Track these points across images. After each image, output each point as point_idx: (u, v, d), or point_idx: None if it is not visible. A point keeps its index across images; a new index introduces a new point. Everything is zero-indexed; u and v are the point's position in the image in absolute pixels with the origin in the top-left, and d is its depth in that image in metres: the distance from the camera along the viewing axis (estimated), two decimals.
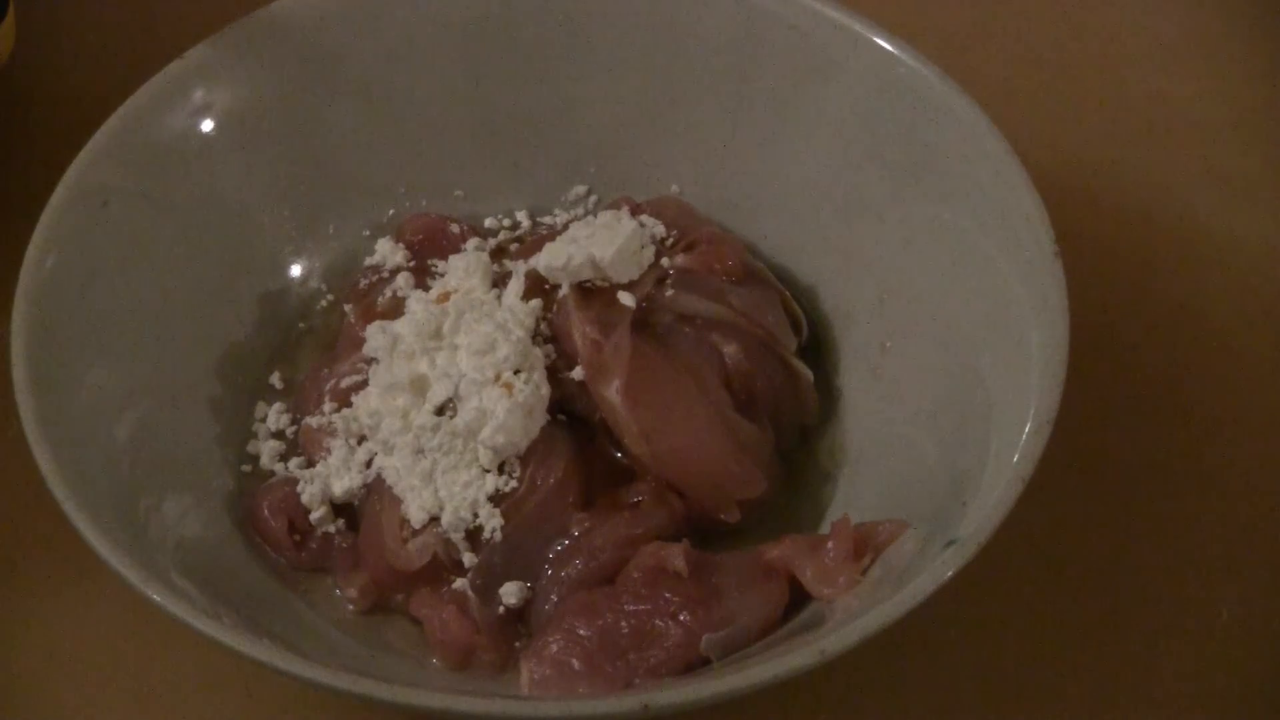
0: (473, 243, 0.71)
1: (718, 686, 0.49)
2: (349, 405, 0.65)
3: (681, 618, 0.57)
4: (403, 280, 0.69)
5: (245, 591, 0.60)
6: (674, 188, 0.74)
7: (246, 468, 0.66)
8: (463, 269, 0.68)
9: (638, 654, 0.56)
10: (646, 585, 0.58)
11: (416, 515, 0.60)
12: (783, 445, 0.66)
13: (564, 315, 0.65)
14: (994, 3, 0.90)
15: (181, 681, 0.61)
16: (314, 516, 0.63)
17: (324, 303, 0.72)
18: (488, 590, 0.60)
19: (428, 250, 0.72)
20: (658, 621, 0.57)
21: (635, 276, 0.66)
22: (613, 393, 0.62)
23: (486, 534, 0.61)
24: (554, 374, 0.64)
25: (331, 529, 0.63)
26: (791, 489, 0.65)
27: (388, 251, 0.72)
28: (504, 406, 0.61)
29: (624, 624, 0.57)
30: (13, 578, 0.64)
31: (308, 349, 0.70)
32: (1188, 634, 0.63)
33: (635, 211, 0.70)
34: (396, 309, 0.68)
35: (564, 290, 0.65)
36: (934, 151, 0.65)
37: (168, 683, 0.61)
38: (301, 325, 0.71)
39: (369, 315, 0.68)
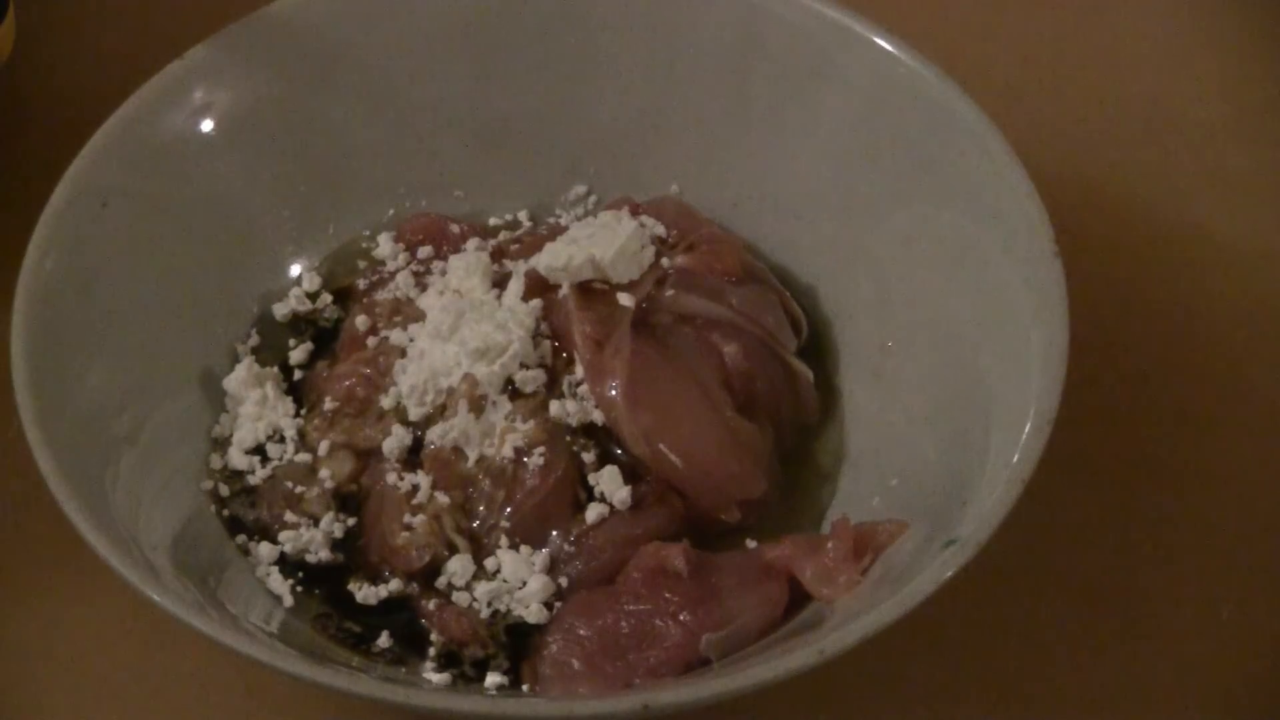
0: (473, 243, 0.71)
1: (718, 686, 0.49)
2: (349, 406, 0.65)
3: (681, 618, 0.57)
4: (403, 280, 0.69)
5: (245, 592, 0.60)
6: (674, 188, 0.74)
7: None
8: (463, 269, 0.68)
9: (637, 654, 0.56)
10: (646, 585, 0.58)
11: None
12: (783, 445, 0.66)
13: (564, 316, 0.65)
14: (994, 3, 0.90)
15: (181, 681, 0.61)
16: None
17: (324, 303, 0.72)
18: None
19: (428, 250, 0.72)
20: (658, 621, 0.57)
21: (635, 277, 0.66)
22: (613, 393, 0.62)
23: (486, 534, 0.61)
24: (554, 374, 0.64)
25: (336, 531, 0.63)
26: (791, 489, 0.65)
27: (388, 252, 0.72)
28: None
29: (624, 624, 0.57)
30: (13, 578, 0.64)
31: (301, 355, 0.70)
32: (1188, 634, 0.63)
33: (635, 211, 0.70)
34: (396, 309, 0.68)
35: (564, 291, 0.66)
36: (934, 151, 0.65)
37: (168, 683, 0.61)
38: (301, 326, 0.71)
39: (369, 315, 0.68)
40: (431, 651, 0.59)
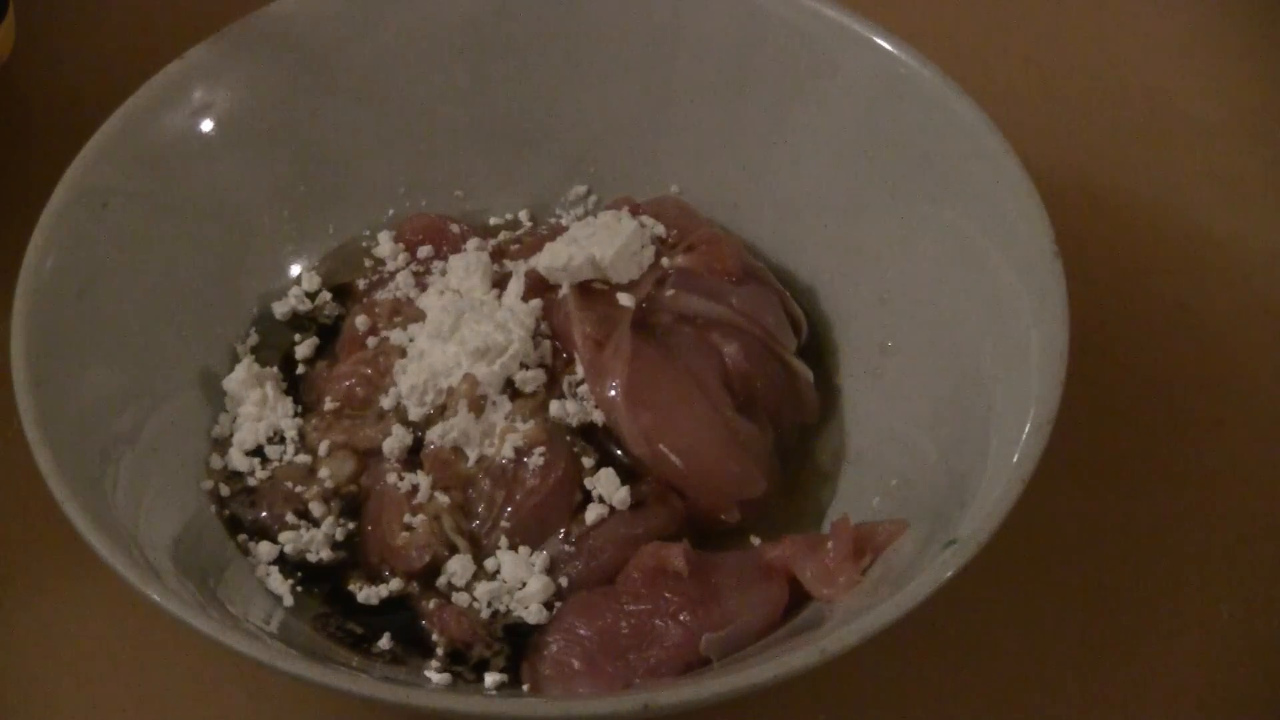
0: (473, 243, 0.71)
1: (718, 686, 0.49)
2: (349, 407, 0.65)
3: (681, 618, 0.57)
4: (403, 280, 0.69)
5: (245, 592, 0.60)
6: (674, 188, 0.74)
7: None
8: (463, 269, 0.68)
9: (637, 654, 0.56)
10: (646, 585, 0.58)
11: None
12: (783, 445, 0.66)
13: (564, 316, 0.65)
14: (994, 3, 0.90)
15: (181, 681, 0.61)
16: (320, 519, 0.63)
17: (324, 303, 0.72)
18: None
19: (428, 250, 0.72)
20: (658, 621, 0.57)
21: (635, 277, 0.66)
22: (613, 393, 0.62)
23: (486, 534, 0.61)
24: (554, 374, 0.64)
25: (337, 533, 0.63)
26: (791, 489, 0.65)
27: (388, 252, 0.72)
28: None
29: (624, 624, 0.57)
30: (13, 578, 0.64)
31: (307, 349, 0.70)
32: (1188, 634, 0.63)
33: (635, 211, 0.70)
34: (396, 309, 0.68)
35: (564, 291, 0.66)
36: (934, 151, 0.65)
37: (168, 683, 0.61)
38: (303, 323, 0.71)
39: (369, 315, 0.68)
40: (439, 651, 0.59)
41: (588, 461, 0.62)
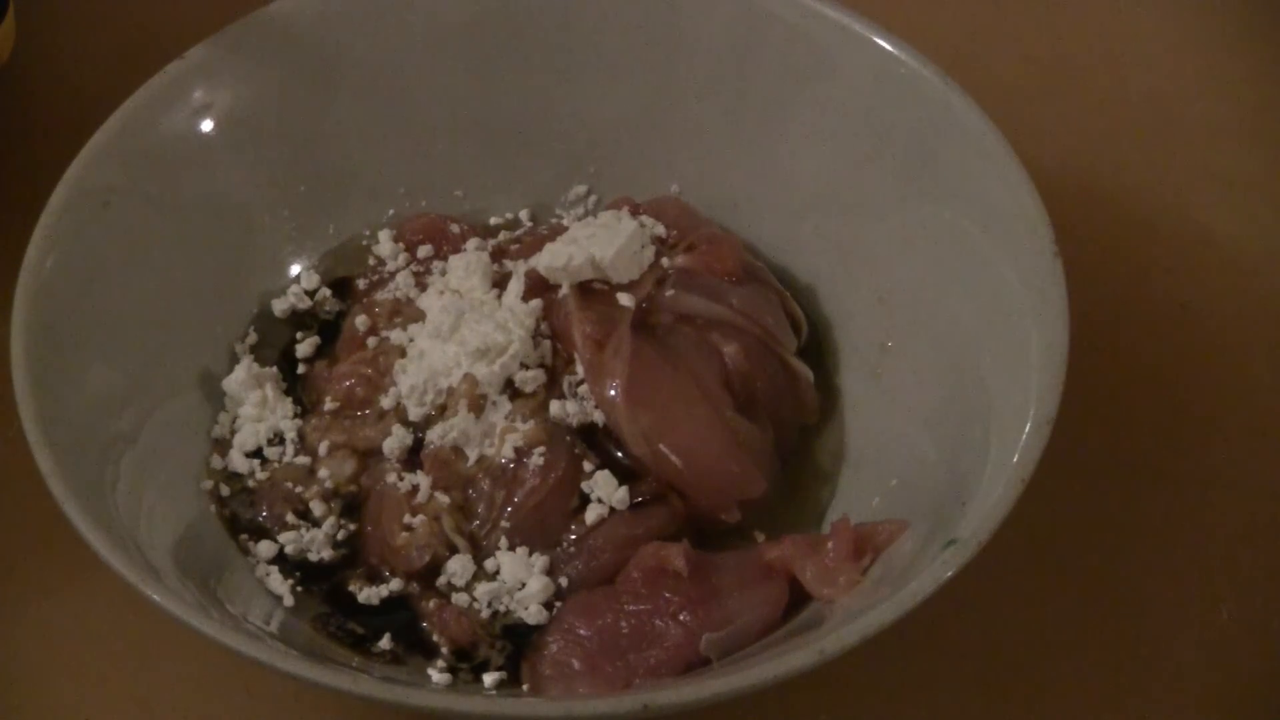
0: (473, 243, 0.71)
1: (718, 686, 0.49)
2: (349, 407, 0.65)
3: (681, 618, 0.57)
4: (403, 280, 0.70)
5: (245, 592, 0.60)
6: (674, 188, 0.74)
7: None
8: (463, 269, 0.68)
9: (637, 654, 0.56)
10: (646, 585, 0.58)
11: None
12: (783, 445, 0.66)
13: (564, 315, 0.65)
14: (994, 2, 0.90)
15: (181, 681, 0.61)
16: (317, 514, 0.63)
17: (323, 299, 0.72)
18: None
19: (428, 250, 0.72)
20: (657, 621, 0.57)
21: (635, 277, 0.66)
22: (613, 393, 0.62)
23: (486, 534, 0.61)
24: (554, 374, 0.64)
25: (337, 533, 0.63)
26: (791, 489, 0.65)
27: (388, 252, 0.72)
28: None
29: (624, 624, 0.57)
30: (13, 578, 0.64)
31: (308, 348, 0.70)
32: (1188, 634, 0.63)
33: (635, 211, 0.70)
34: (396, 309, 0.68)
35: (564, 291, 0.66)
36: (934, 151, 0.65)
37: (168, 683, 0.61)
38: (305, 321, 0.71)
39: (369, 315, 0.68)
40: (444, 651, 0.59)
41: (587, 466, 0.62)
